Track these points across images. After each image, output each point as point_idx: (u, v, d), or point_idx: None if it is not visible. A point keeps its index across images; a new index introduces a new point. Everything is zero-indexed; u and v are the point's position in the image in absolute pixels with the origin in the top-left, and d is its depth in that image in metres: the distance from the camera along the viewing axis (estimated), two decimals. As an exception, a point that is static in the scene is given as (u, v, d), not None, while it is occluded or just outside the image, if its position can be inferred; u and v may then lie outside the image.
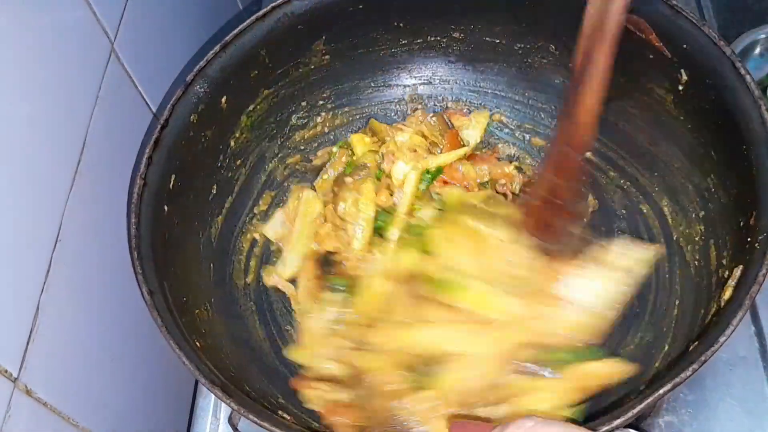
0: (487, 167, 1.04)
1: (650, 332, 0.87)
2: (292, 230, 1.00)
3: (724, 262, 0.79)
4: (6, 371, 0.64)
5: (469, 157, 1.05)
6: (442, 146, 1.06)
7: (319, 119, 1.07)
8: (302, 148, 1.08)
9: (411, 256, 0.91)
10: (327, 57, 1.00)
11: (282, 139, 1.05)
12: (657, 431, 0.89)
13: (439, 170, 1.02)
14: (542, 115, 1.07)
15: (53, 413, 0.71)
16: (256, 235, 1.02)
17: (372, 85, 1.10)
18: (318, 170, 1.06)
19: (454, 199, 1.00)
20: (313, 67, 1.00)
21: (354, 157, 1.04)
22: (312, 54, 0.98)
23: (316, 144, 1.09)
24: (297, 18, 0.92)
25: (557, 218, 0.84)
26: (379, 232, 0.96)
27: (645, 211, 0.97)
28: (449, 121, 1.08)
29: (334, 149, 1.06)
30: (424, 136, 1.05)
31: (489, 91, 1.10)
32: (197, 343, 0.77)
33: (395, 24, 1.02)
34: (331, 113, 1.08)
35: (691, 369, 0.65)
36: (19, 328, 0.67)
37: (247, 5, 1.40)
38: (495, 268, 0.85)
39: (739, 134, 0.77)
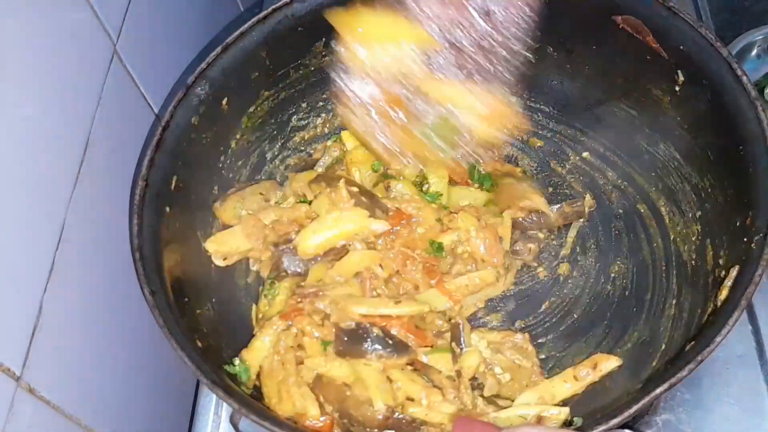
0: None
1: (647, 332, 0.88)
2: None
3: (720, 261, 0.79)
4: (9, 370, 0.64)
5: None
6: None
7: (319, 120, 1.08)
8: (302, 149, 1.08)
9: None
10: (327, 58, 1.01)
11: (282, 141, 1.06)
12: (655, 430, 0.89)
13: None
14: (540, 116, 1.08)
15: (56, 412, 0.72)
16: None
17: (372, 85, 1.11)
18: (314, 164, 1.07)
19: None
20: (313, 68, 1.00)
21: (345, 153, 1.04)
22: (312, 55, 0.99)
23: (316, 145, 1.09)
24: (297, 20, 0.92)
25: None
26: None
27: (642, 211, 0.97)
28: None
29: (329, 143, 1.07)
30: None
31: (487, 91, 1.10)
32: (199, 343, 0.78)
33: (395, 25, 1.02)
34: (331, 114, 1.08)
35: (687, 369, 0.66)
36: (23, 327, 0.68)
37: (249, 6, 1.41)
38: None
39: (736, 135, 0.78)
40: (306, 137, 1.08)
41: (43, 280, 0.71)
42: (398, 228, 0.93)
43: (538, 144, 1.08)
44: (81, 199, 0.78)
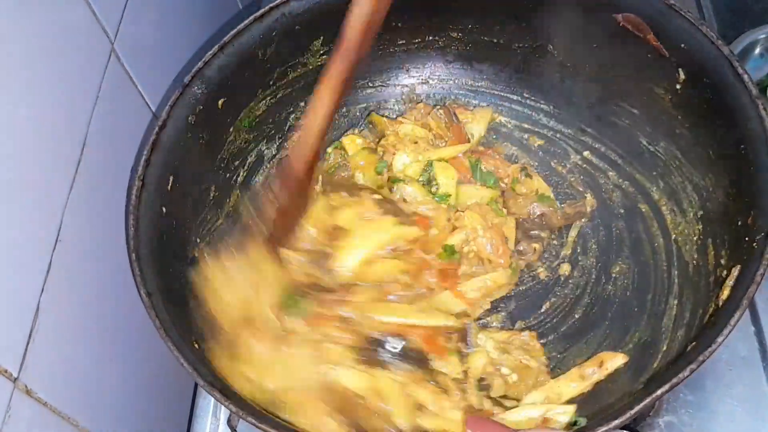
0: (494, 166, 1.04)
1: (648, 332, 0.87)
2: None
3: (722, 261, 0.79)
4: (6, 371, 0.64)
5: (473, 153, 1.05)
6: (447, 139, 1.06)
7: (318, 120, 1.07)
8: (301, 148, 1.07)
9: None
10: (325, 57, 1.00)
11: (280, 140, 1.05)
12: (657, 431, 0.89)
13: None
14: (540, 115, 1.07)
15: (53, 413, 0.71)
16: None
17: (370, 84, 1.11)
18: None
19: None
20: (311, 67, 1.00)
21: (347, 158, 1.04)
22: (310, 54, 0.99)
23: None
24: (295, 18, 0.92)
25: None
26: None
27: (644, 210, 0.97)
28: (455, 114, 1.07)
29: (329, 150, 1.06)
30: (429, 128, 1.05)
31: (487, 90, 1.10)
32: (196, 345, 0.77)
33: (393, 24, 1.02)
34: (330, 114, 1.07)
35: (689, 369, 0.65)
36: (20, 328, 0.67)
37: (247, 5, 1.40)
38: None
39: (737, 133, 0.77)
40: (305, 137, 1.07)
41: (40, 281, 0.71)
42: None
43: (539, 143, 1.08)
44: (78, 199, 0.78)
